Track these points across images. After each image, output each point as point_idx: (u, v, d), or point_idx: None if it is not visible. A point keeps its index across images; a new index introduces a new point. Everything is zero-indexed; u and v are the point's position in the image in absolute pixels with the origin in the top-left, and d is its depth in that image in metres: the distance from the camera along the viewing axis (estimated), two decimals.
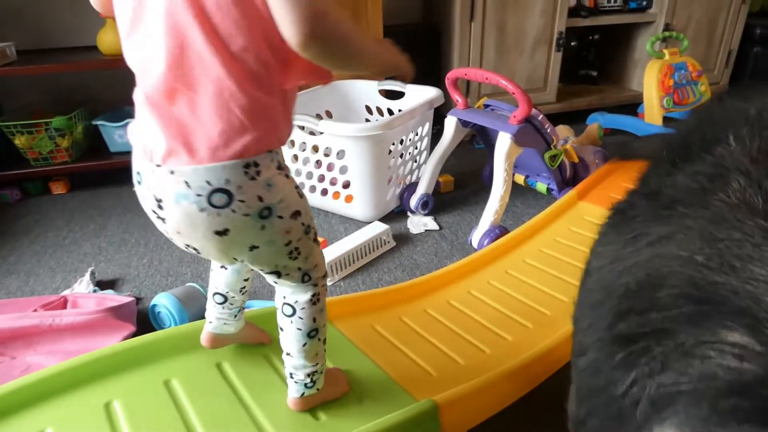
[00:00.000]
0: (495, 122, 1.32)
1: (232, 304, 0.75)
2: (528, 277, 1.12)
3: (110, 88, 1.79)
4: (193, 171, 0.50)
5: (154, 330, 0.96)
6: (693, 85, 1.90)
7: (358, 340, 0.91)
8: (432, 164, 1.48)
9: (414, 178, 1.61)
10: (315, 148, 1.43)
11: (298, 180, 1.53)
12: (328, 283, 1.20)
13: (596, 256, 0.49)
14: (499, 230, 1.29)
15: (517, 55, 1.99)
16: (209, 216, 0.51)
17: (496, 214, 1.31)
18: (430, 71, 1.98)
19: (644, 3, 2.12)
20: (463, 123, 1.44)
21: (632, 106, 2.13)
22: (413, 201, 1.49)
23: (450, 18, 1.93)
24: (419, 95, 1.56)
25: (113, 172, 1.75)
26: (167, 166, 0.50)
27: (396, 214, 1.54)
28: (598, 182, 1.43)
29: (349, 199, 1.45)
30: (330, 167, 1.44)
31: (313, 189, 1.52)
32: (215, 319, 0.75)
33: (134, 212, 1.58)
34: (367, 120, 1.76)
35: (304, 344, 0.65)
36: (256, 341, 0.81)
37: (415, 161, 1.60)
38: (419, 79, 1.65)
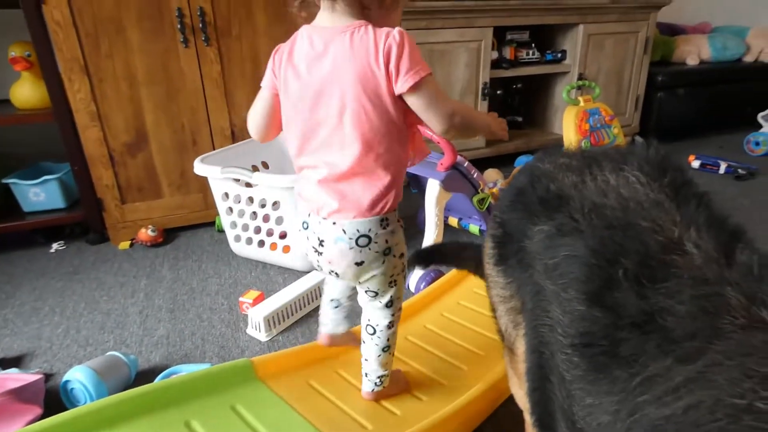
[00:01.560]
0: (424, 170, 1.38)
1: (343, 309, 0.92)
2: (462, 319, 1.15)
3: (24, 144, 1.73)
4: (349, 223, 0.73)
5: (65, 410, 0.84)
6: (607, 128, 2.08)
7: (293, 399, 0.89)
8: None
9: None
10: (250, 200, 1.43)
11: (233, 233, 1.52)
12: (264, 339, 1.19)
13: (591, 410, 0.40)
14: (434, 273, 1.33)
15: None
16: (354, 252, 0.74)
17: None
18: None
19: (559, 55, 2.32)
20: None
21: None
22: None
23: None
24: None
25: (26, 234, 1.66)
26: (331, 219, 0.74)
27: None
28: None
29: (286, 249, 1.45)
30: (266, 218, 1.44)
31: (249, 241, 1.51)
32: (330, 321, 0.93)
33: (50, 276, 1.49)
34: None
35: (379, 356, 0.86)
36: (356, 345, 0.93)
37: None
38: None
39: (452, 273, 1.30)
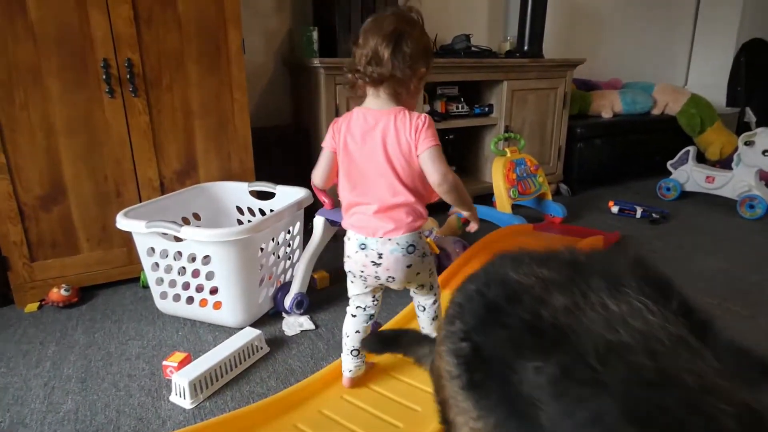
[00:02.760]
0: None
1: (362, 356, 1.12)
2: (401, 375, 1.13)
3: None
4: (401, 238, 0.99)
5: None
6: (532, 177, 2.20)
7: None
8: (304, 263, 1.49)
9: (288, 277, 1.60)
10: (179, 254, 1.36)
11: (159, 289, 1.43)
12: (189, 407, 1.10)
13: None
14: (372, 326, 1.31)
15: None
16: (406, 258, 1.00)
17: None
18: (302, 171, 2.04)
19: (486, 109, 2.47)
20: (330, 222, 1.49)
21: (488, 196, 2.39)
22: (287, 301, 1.46)
23: (318, 122, 2.05)
24: (289, 196, 1.60)
25: None
26: (386, 237, 0.99)
27: (271, 317, 1.49)
28: (458, 270, 1.54)
29: (217, 305, 1.38)
30: (196, 273, 1.37)
31: (177, 298, 1.42)
32: (354, 368, 1.11)
33: None
34: (239, 221, 1.73)
35: (431, 323, 1.14)
36: (370, 368, 1.17)
37: (289, 259, 1.59)
38: (289, 180, 1.72)
39: (389, 324, 1.28)
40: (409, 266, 1.01)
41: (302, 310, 1.49)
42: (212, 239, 1.27)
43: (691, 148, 2.69)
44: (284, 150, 2.15)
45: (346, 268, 1.06)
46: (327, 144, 1.04)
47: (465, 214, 1.09)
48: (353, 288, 1.08)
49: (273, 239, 1.46)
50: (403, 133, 0.95)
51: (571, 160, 2.82)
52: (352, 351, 1.10)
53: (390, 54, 0.92)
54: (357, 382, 1.11)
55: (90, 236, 1.56)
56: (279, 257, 1.51)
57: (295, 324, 1.43)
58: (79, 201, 1.53)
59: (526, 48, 2.61)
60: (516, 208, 2.25)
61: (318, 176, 1.08)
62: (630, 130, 3.01)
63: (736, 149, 2.49)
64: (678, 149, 2.75)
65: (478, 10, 2.85)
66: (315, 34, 2.08)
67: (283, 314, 1.48)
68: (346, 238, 1.04)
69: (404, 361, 1.17)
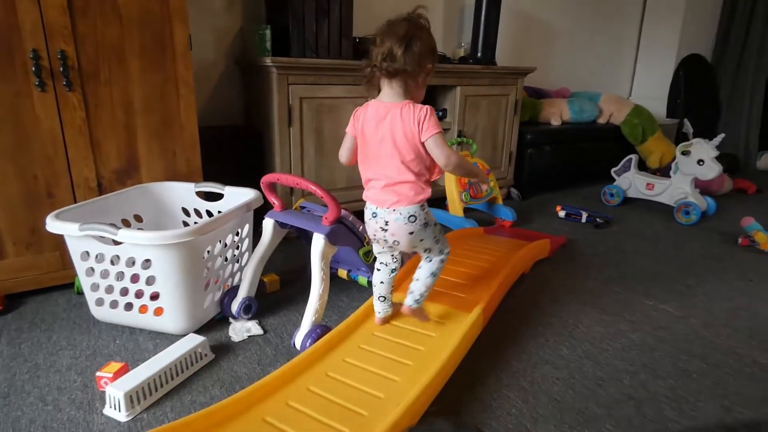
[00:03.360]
0: (309, 223, 1.36)
1: (388, 301, 1.35)
2: (347, 377, 1.11)
3: None
4: (403, 209, 1.15)
5: None
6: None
7: None
8: (252, 266, 1.44)
9: (237, 281, 1.55)
10: (117, 258, 1.29)
11: (95, 295, 1.35)
12: (124, 420, 1.04)
13: None
14: (320, 330, 1.28)
15: (335, 156, 2.12)
16: (407, 225, 1.16)
17: (317, 314, 1.30)
18: (252, 172, 1.99)
19: (440, 113, 2.50)
20: (280, 224, 1.45)
21: (442, 200, 2.41)
22: (234, 306, 1.42)
23: (270, 122, 2.01)
24: (238, 197, 1.55)
25: None
26: (391, 208, 1.15)
27: (217, 322, 1.44)
28: (409, 273, 1.54)
29: (158, 312, 1.32)
30: (135, 278, 1.30)
31: (114, 304, 1.35)
32: (382, 310, 1.35)
33: None
34: (185, 223, 1.67)
35: (427, 278, 1.28)
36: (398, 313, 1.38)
37: (237, 262, 1.54)
38: (239, 181, 1.67)
39: (338, 328, 1.26)
40: (411, 233, 1.19)
41: (250, 315, 1.44)
42: (153, 242, 1.21)
43: (633, 156, 2.83)
44: (235, 150, 2.09)
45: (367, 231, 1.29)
46: (349, 129, 1.23)
47: (473, 180, 1.47)
48: (375, 248, 1.31)
49: (220, 242, 1.41)
50: (408, 123, 1.12)
51: (521, 165, 2.90)
52: (379, 297, 1.34)
53: (402, 52, 1.09)
54: (383, 323, 1.35)
55: (17, 240, 1.46)
56: (226, 260, 1.47)
57: (242, 329, 1.38)
58: (5, 202, 1.42)
59: (479, 55, 2.67)
60: (468, 211, 2.29)
61: (343, 155, 1.27)
62: (577, 138, 3.13)
63: (675, 158, 2.63)
64: (621, 157, 2.88)
65: (434, 16, 2.89)
66: (268, 33, 2.04)
67: (230, 319, 1.44)
68: (365, 208, 1.24)
69: (349, 365, 1.16)
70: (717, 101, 4.16)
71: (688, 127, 2.75)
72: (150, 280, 1.29)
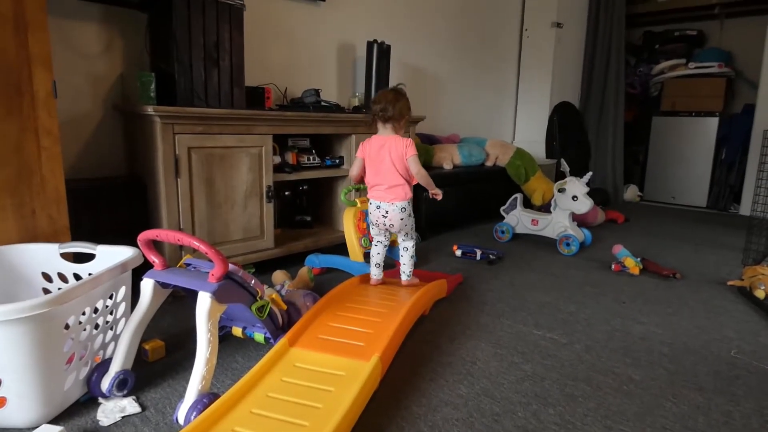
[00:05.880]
0: (193, 282, 1.26)
1: (381, 267, 1.96)
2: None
3: None
4: (399, 203, 1.83)
5: None
6: None
7: None
8: (128, 334, 1.30)
9: (112, 352, 1.38)
10: None
11: None
12: None
13: None
14: (207, 399, 1.17)
15: (229, 207, 2.05)
16: (400, 213, 1.83)
17: (204, 380, 1.19)
18: (136, 227, 1.83)
19: (337, 161, 2.53)
20: (162, 284, 1.34)
21: (343, 245, 2.41)
22: (105, 383, 1.25)
23: (155, 173, 1.89)
24: (113, 257, 1.41)
25: None
26: (392, 203, 1.83)
27: (83, 404, 1.26)
28: (307, 326, 1.49)
29: (1, 402, 1.12)
30: None
31: None
32: (377, 274, 1.95)
33: None
34: (46, 290, 1.47)
35: (409, 260, 1.93)
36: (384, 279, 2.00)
37: (112, 330, 1.38)
38: (120, 238, 1.53)
39: (227, 394, 1.17)
40: (401, 219, 1.84)
41: (125, 391, 1.28)
42: None
43: (519, 195, 3.06)
44: (115, 204, 1.93)
45: (369, 219, 1.92)
46: (359, 154, 1.86)
47: (430, 190, 1.89)
48: (374, 230, 1.93)
49: (87, 310, 1.25)
50: (399, 147, 1.79)
51: (419, 208, 3.00)
52: (375, 264, 1.94)
53: (391, 107, 1.79)
54: (378, 284, 1.95)
55: None
56: (97, 330, 1.30)
57: (114, 409, 1.22)
58: None
59: None
60: (367, 257, 2.29)
61: (354, 171, 1.89)
62: (469, 180, 3.33)
63: (554, 195, 2.89)
64: (509, 196, 3.10)
65: (329, 66, 2.97)
66: (152, 80, 1.95)
67: (100, 399, 1.26)
68: (369, 203, 1.87)
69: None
70: (587, 142, 4.70)
71: (564, 166, 3.05)
72: None
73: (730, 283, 2.28)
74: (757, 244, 2.65)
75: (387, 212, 1.81)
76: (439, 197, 1.90)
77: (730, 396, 1.37)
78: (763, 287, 2.10)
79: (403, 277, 1.93)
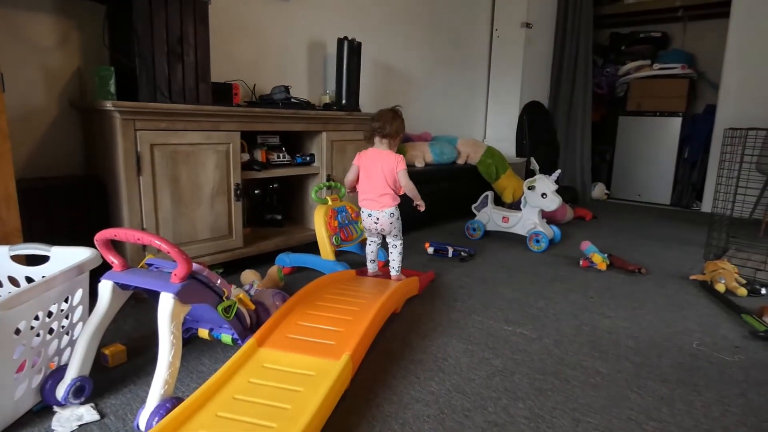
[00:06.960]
0: (155, 282, 1.21)
1: (374, 262, 2.13)
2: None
3: None
4: (387, 209, 2.01)
5: None
6: (354, 224, 2.26)
7: None
8: (85, 339, 1.24)
9: (68, 358, 1.31)
10: None
11: None
12: None
13: None
14: (170, 404, 1.13)
15: (195, 206, 2.00)
16: (389, 218, 2.02)
17: (167, 384, 1.15)
18: (95, 228, 1.76)
19: (308, 158, 2.49)
20: (122, 286, 1.28)
21: (314, 244, 2.37)
22: (60, 391, 1.19)
23: (115, 171, 1.82)
24: (69, 258, 1.34)
25: None
26: (381, 210, 2.01)
27: (36, 414, 1.19)
28: (276, 326, 1.46)
29: None
30: None
31: None
32: (371, 267, 2.12)
33: None
34: None
35: (397, 257, 2.07)
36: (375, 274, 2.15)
37: (68, 334, 1.32)
38: (77, 239, 1.46)
39: (192, 397, 1.13)
40: (391, 223, 2.00)
41: (82, 399, 1.23)
42: None
43: (489, 193, 3.09)
44: (72, 204, 1.84)
45: (362, 225, 2.08)
46: (355, 162, 2.01)
47: (416, 201, 2.02)
48: (367, 233, 2.08)
49: (40, 314, 1.19)
50: (391, 162, 1.95)
51: None
52: (371, 260, 2.10)
53: (389, 126, 1.97)
54: (373, 276, 2.10)
55: None
56: (51, 335, 1.24)
57: (71, 418, 1.16)
58: None
59: (344, 102, 2.74)
60: (342, 253, 2.27)
61: (349, 178, 2.04)
62: (441, 178, 3.34)
63: (524, 193, 2.93)
64: (480, 194, 3.13)
65: (299, 63, 2.93)
66: (111, 75, 1.87)
67: (55, 408, 1.20)
68: (361, 211, 2.04)
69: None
70: (556, 141, 4.80)
71: (534, 164, 3.10)
72: None
73: (692, 277, 2.35)
74: (717, 239, 2.74)
75: (378, 219, 1.99)
76: (422, 209, 2.03)
77: (692, 386, 1.40)
78: (723, 281, 2.17)
79: (392, 273, 2.07)
